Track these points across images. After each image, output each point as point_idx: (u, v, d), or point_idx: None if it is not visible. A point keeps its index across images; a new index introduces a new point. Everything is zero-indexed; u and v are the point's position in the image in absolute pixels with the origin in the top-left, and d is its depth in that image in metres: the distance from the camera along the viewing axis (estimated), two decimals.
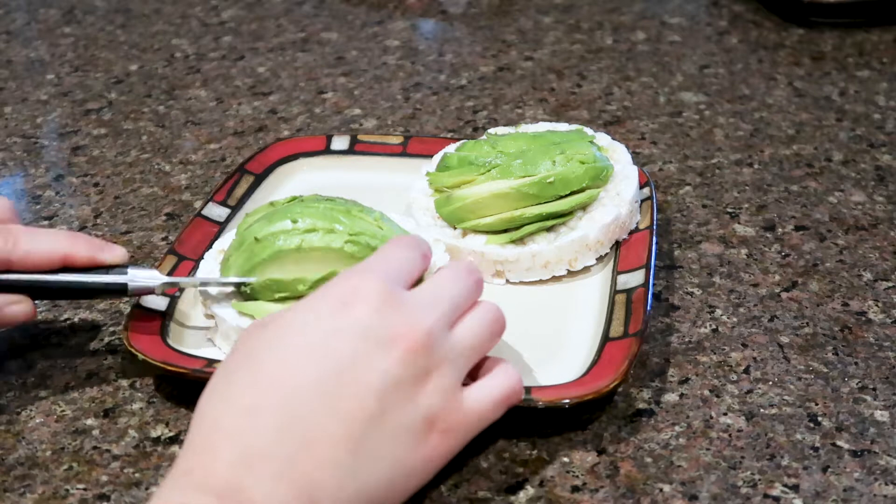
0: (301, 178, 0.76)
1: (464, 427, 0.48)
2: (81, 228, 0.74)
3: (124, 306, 0.65)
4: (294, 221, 0.58)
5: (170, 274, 0.63)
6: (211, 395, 0.45)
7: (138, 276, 0.57)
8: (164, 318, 0.60)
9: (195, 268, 0.64)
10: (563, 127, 0.72)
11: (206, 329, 0.61)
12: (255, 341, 0.46)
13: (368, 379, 0.45)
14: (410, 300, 0.48)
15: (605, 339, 0.57)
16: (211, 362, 0.57)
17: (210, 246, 0.65)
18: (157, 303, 0.61)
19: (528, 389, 0.53)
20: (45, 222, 0.76)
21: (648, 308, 0.58)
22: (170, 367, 0.56)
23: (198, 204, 0.76)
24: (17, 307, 0.56)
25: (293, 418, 0.43)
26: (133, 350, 0.56)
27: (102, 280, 0.57)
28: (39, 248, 0.56)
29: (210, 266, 0.62)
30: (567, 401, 0.52)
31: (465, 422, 0.48)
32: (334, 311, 0.46)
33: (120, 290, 0.57)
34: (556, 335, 0.60)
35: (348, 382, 0.44)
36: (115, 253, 0.57)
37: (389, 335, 0.46)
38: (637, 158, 0.80)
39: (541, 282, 0.65)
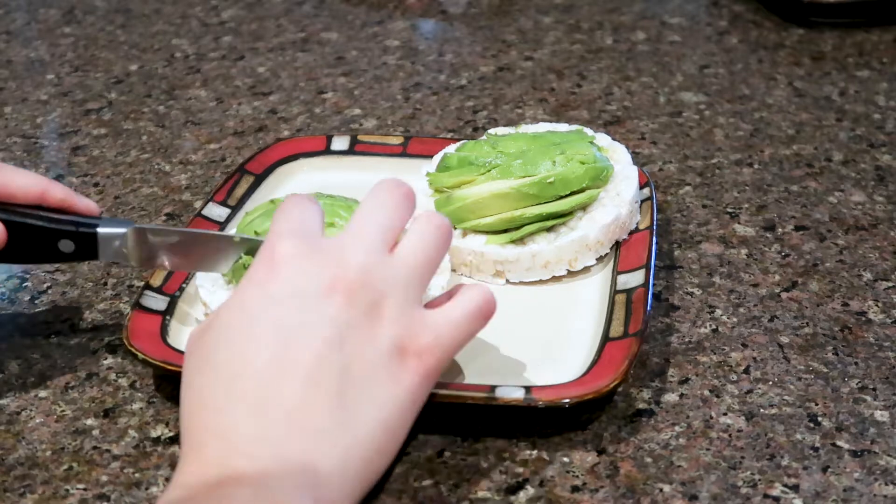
0: (301, 179, 0.76)
1: (438, 344, 0.46)
2: None
3: (124, 306, 0.65)
4: None
5: (168, 277, 0.63)
6: (185, 406, 0.45)
7: (109, 223, 0.57)
8: (164, 318, 0.60)
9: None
10: (563, 127, 0.72)
11: None
12: (203, 347, 0.46)
13: (320, 335, 0.43)
14: (331, 244, 0.47)
15: (606, 339, 0.57)
16: None
17: None
18: (158, 302, 0.61)
19: (528, 389, 0.53)
20: None
21: (648, 308, 0.58)
22: (169, 367, 0.56)
23: (198, 204, 0.76)
24: None
25: (266, 403, 0.42)
26: (133, 349, 0.56)
27: (73, 219, 0.57)
28: (19, 181, 0.56)
29: None
30: (567, 400, 0.52)
31: (438, 339, 0.46)
32: (261, 287, 0.45)
33: (89, 236, 0.56)
34: (556, 335, 0.60)
35: (303, 346, 0.43)
36: (88, 202, 0.58)
37: (323, 285, 0.44)
38: (637, 158, 0.80)
39: (541, 282, 0.65)
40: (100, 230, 0.57)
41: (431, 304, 0.49)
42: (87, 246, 0.57)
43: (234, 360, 0.44)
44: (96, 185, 0.80)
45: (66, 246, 0.57)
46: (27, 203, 0.56)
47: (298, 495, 0.41)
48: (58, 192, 0.57)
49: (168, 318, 0.60)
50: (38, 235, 0.56)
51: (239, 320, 0.45)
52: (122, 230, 0.57)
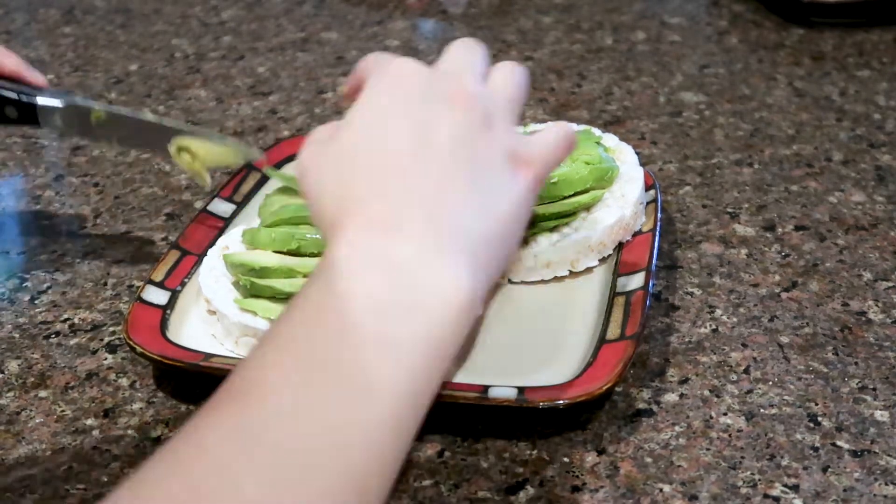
0: None
1: (543, 157, 0.49)
2: (81, 228, 0.74)
3: (124, 306, 0.65)
4: None
5: (172, 269, 0.63)
6: (321, 202, 0.46)
7: (50, 94, 0.62)
8: (164, 312, 0.60)
9: (198, 262, 0.64)
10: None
11: (206, 325, 0.61)
12: (336, 146, 0.47)
13: (451, 129, 0.46)
14: (441, 69, 0.50)
15: (602, 341, 0.57)
16: (208, 356, 0.57)
17: (214, 242, 0.65)
18: (159, 296, 0.61)
19: (521, 390, 0.53)
20: (46, 222, 0.76)
21: (646, 311, 0.58)
22: (167, 361, 0.56)
23: (198, 204, 0.76)
24: None
25: (410, 189, 0.44)
26: (131, 343, 0.56)
27: (17, 88, 0.62)
28: None
29: (213, 262, 0.63)
30: (561, 402, 0.52)
31: (539, 153, 0.49)
32: (389, 92, 0.47)
33: (29, 105, 0.61)
34: (557, 335, 0.60)
35: (438, 137, 0.46)
36: (36, 74, 0.63)
37: (445, 95, 0.47)
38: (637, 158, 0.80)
39: (542, 282, 0.65)
40: (39, 100, 0.62)
41: None
42: (29, 114, 0.62)
43: (374, 153, 0.46)
44: (96, 185, 0.80)
45: (11, 112, 0.62)
46: None
47: (460, 253, 0.43)
48: (9, 63, 0.62)
49: (168, 312, 0.61)
50: None
51: (374, 117, 0.47)
52: (58, 103, 0.61)
